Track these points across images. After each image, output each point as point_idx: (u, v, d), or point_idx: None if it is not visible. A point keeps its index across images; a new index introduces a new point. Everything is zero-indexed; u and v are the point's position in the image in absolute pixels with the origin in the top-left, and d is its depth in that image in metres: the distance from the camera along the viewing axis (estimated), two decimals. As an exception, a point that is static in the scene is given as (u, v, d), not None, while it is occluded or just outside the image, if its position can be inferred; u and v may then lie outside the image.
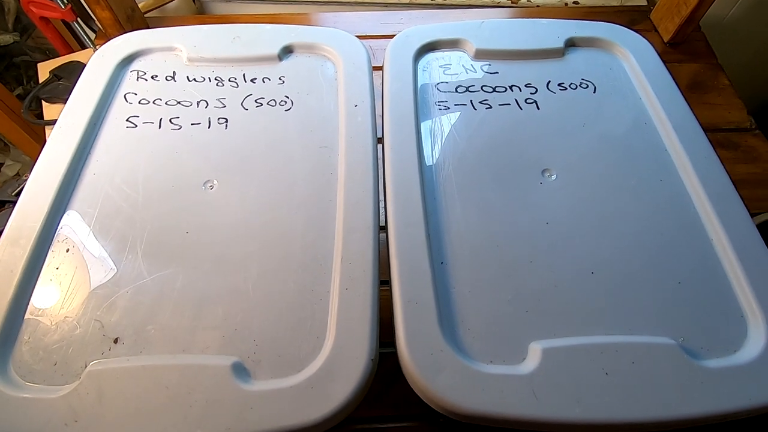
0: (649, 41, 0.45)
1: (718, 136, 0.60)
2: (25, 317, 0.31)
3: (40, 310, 0.31)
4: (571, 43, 0.45)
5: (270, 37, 0.45)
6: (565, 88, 0.42)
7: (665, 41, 0.68)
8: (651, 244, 0.34)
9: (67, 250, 0.33)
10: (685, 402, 0.27)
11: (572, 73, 0.43)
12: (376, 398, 0.41)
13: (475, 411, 0.27)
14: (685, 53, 0.68)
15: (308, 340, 0.30)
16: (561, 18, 0.47)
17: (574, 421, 0.27)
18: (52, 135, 0.38)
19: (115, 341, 0.30)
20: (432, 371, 0.28)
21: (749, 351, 0.29)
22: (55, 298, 0.31)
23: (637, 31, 0.46)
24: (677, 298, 0.31)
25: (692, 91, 0.64)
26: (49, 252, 0.33)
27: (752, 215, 0.34)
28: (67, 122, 0.39)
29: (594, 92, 0.42)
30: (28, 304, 0.31)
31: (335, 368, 0.28)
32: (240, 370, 0.29)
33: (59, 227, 0.34)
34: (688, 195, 0.36)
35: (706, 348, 0.30)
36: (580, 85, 0.42)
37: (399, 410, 0.41)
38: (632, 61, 0.43)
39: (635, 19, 0.71)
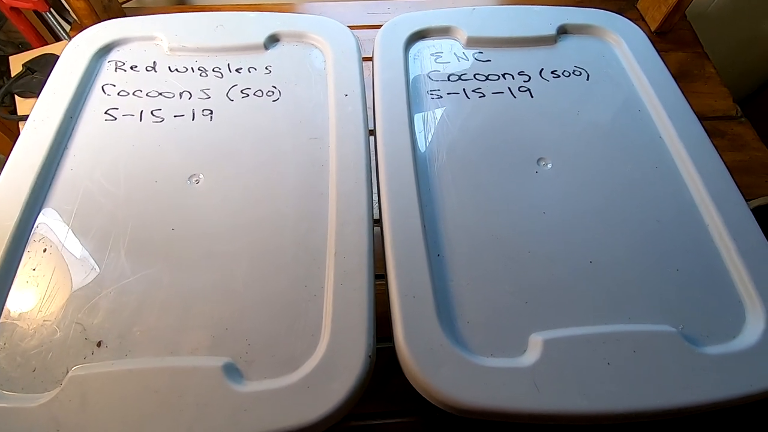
0: (639, 28, 0.45)
1: (705, 124, 0.59)
2: (0, 322, 0.29)
3: (16, 313, 0.29)
4: (563, 30, 0.44)
5: (255, 25, 0.44)
6: (558, 76, 0.41)
7: (652, 30, 0.68)
8: (648, 231, 0.33)
9: (45, 250, 0.32)
10: (687, 389, 0.27)
11: (565, 60, 0.43)
12: (372, 394, 0.40)
13: (477, 405, 0.26)
14: (672, 42, 0.68)
15: (303, 338, 0.29)
16: (551, 5, 0.46)
17: (577, 412, 0.26)
18: (25, 130, 0.36)
19: (99, 345, 0.28)
20: (432, 366, 0.27)
21: (748, 337, 0.29)
22: (32, 301, 0.30)
23: (626, 19, 0.46)
24: (676, 285, 0.31)
25: (679, 79, 0.63)
26: (25, 252, 0.32)
27: (745, 202, 0.34)
28: (40, 116, 0.37)
29: (587, 79, 0.41)
30: (3, 307, 0.30)
31: (331, 366, 0.27)
32: (232, 371, 0.27)
33: (35, 226, 0.33)
34: (684, 181, 0.36)
35: (705, 335, 0.29)
36: (573, 73, 0.42)
37: (394, 405, 0.41)
38: (625, 48, 0.43)
39: (623, 8, 0.71)
